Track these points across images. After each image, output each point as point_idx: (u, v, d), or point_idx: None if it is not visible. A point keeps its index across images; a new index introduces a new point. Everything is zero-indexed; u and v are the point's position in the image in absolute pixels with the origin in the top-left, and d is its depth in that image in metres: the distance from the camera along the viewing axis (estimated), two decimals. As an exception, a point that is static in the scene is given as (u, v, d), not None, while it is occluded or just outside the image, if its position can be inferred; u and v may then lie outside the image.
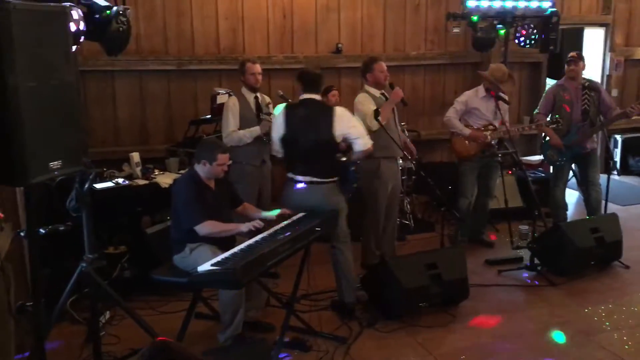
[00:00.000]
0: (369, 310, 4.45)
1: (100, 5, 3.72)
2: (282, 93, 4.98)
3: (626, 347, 3.96)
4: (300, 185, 4.23)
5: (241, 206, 4.16)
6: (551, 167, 6.28)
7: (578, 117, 5.83)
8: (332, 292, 4.67)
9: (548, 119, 5.86)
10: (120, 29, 3.77)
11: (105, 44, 3.91)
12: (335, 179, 4.32)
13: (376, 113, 4.68)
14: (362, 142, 4.25)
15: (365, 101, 4.90)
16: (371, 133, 4.84)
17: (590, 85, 5.85)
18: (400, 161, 5.20)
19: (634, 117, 6.33)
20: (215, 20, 6.72)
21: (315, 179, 4.21)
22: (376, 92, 5.01)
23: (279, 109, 4.39)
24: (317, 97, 4.34)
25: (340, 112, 4.25)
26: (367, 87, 5.05)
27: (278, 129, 4.33)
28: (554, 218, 6.03)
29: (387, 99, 4.99)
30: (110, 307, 4.30)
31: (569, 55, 5.93)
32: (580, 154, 5.93)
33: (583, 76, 5.93)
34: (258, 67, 5.06)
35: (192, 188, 3.80)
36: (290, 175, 4.31)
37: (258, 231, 3.77)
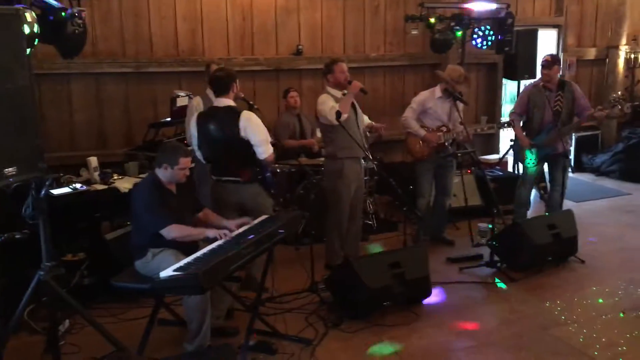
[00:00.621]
0: (334, 310, 4.47)
1: (55, 7, 3.63)
2: (242, 95, 4.95)
3: (581, 339, 4.08)
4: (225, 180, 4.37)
5: (202, 212, 4.11)
6: (520, 166, 6.38)
7: (549, 118, 5.86)
8: (298, 293, 4.68)
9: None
10: (76, 31, 3.69)
11: (61, 47, 3.82)
12: (254, 180, 4.37)
13: (338, 114, 4.70)
14: (261, 150, 4.27)
15: (326, 100, 4.94)
16: (332, 132, 4.88)
17: (565, 87, 5.89)
18: (363, 162, 5.23)
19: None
20: (174, 21, 6.65)
21: (239, 178, 4.31)
22: (337, 93, 5.03)
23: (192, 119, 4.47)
24: (227, 99, 4.35)
25: (246, 116, 4.28)
26: (328, 89, 5.07)
27: (193, 137, 4.45)
28: (514, 215, 6.16)
29: None
30: (69, 315, 4.20)
31: (543, 59, 5.95)
32: (551, 154, 5.99)
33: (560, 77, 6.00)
34: None
35: (154, 192, 3.74)
36: (214, 177, 4.43)
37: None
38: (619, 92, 6.00)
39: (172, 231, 3.65)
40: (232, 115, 4.28)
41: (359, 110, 5.21)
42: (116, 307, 4.52)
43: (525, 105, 6.02)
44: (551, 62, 5.88)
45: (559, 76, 6.00)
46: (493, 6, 7.14)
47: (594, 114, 5.76)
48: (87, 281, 4.60)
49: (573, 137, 8.88)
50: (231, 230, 3.80)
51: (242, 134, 4.24)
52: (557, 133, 5.79)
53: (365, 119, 5.45)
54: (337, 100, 4.96)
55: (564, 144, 5.83)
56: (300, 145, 6.45)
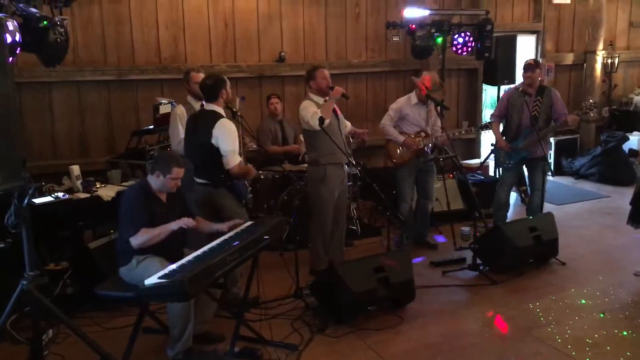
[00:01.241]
0: (319, 315, 4.49)
1: (37, 16, 3.62)
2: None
3: (558, 339, 4.14)
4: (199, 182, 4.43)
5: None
6: (500, 169, 6.47)
7: (526, 123, 5.95)
8: (283, 299, 4.70)
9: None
10: (58, 39, 3.68)
11: (43, 55, 3.80)
12: (223, 184, 4.39)
13: (321, 121, 4.74)
14: (227, 160, 4.28)
15: (308, 106, 4.98)
16: (315, 138, 4.91)
17: (545, 92, 5.98)
18: (347, 167, 5.27)
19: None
20: (156, 29, 6.65)
21: (209, 182, 4.35)
22: (319, 100, 5.07)
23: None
24: (215, 105, 4.41)
25: (221, 124, 4.30)
26: (310, 95, 5.11)
27: (181, 143, 4.62)
28: (494, 218, 6.23)
29: None
30: (53, 325, 4.17)
31: (526, 63, 6.04)
32: (528, 158, 6.07)
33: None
34: (202, 76, 5.02)
35: (139, 199, 3.73)
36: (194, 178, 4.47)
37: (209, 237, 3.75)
38: (591, 100, 6.10)
39: (137, 238, 3.64)
40: (211, 121, 4.32)
41: (341, 116, 5.25)
42: (100, 316, 4.50)
43: (505, 109, 6.11)
44: (534, 65, 5.98)
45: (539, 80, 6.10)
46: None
47: (566, 119, 5.86)
48: (70, 290, 4.58)
49: (552, 141, 9.05)
50: (223, 232, 3.81)
51: (213, 141, 4.28)
52: (534, 137, 5.87)
53: (348, 125, 5.49)
54: (319, 106, 5.00)
55: (543, 148, 5.90)
56: (285, 152, 6.47)
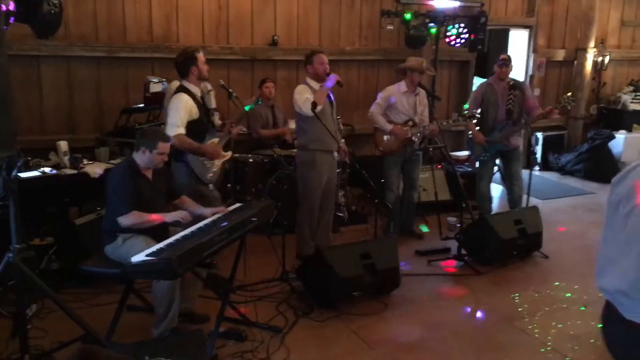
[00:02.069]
0: (304, 299, 4.51)
1: (31, -14, 3.57)
2: (222, 82, 4.92)
3: (539, 331, 4.21)
4: None
5: (178, 199, 4.09)
6: (477, 162, 6.55)
7: (502, 116, 6.11)
8: (269, 281, 4.71)
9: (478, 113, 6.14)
10: (52, 11, 3.63)
11: (36, 27, 3.74)
12: (180, 160, 4.40)
13: (313, 105, 4.73)
14: (166, 132, 4.25)
15: (303, 91, 4.97)
16: (306, 122, 4.90)
17: (516, 86, 6.12)
18: (336, 154, 5.27)
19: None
20: (149, 7, 6.57)
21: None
22: (315, 85, 5.05)
23: None
24: (186, 82, 4.47)
25: (173, 98, 4.39)
26: (307, 79, 5.10)
27: None
28: (479, 210, 6.30)
29: None
30: (37, 300, 4.15)
31: (500, 58, 6.17)
32: (504, 150, 6.21)
33: (510, 76, 6.21)
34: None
35: (127, 177, 3.71)
36: None
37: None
38: (569, 94, 6.21)
39: (128, 219, 3.62)
40: (172, 95, 4.40)
41: (335, 103, 5.25)
42: (84, 292, 4.49)
43: (479, 104, 6.20)
44: (507, 60, 6.14)
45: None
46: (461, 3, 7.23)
47: (542, 112, 6.02)
48: (55, 266, 4.56)
49: (540, 137, 9.14)
50: (205, 217, 3.80)
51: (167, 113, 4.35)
52: (509, 130, 6.04)
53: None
54: (314, 91, 4.99)
55: (520, 139, 6.10)
56: (274, 135, 6.45)
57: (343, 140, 5.59)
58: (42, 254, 4.49)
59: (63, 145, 5.08)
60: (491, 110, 6.15)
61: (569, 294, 4.84)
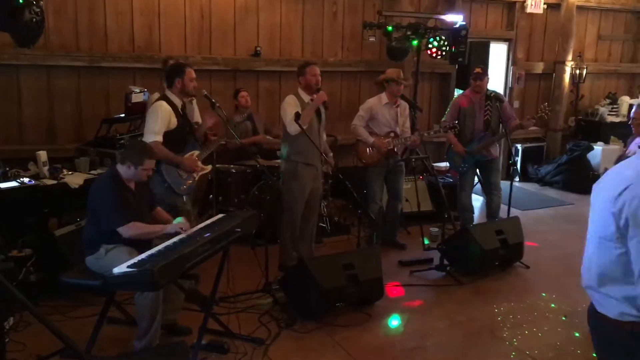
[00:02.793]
0: (287, 311, 4.48)
1: (12, -6, 3.53)
2: (205, 92, 4.90)
3: (520, 341, 4.23)
4: None
5: (154, 210, 4.06)
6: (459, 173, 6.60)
7: (480, 127, 6.20)
8: (252, 293, 4.68)
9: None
10: (34, 19, 3.60)
11: (17, 35, 3.71)
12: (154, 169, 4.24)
13: (296, 115, 4.74)
14: (144, 139, 4.30)
15: (291, 103, 4.96)
16: (290, 135, 4.90)
17: (494, 97, 6.20)
18: (321, 165, 5.25)
19: (531, 128, 6.87)
20: (130, 16, 6.54)
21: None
22: (306, 97, 5.06)
23: None
24: (169, 91, 4.48)
25: (153, 106, 4.41)
26: (299, 90, 5.11)
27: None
28: (461, 221, 6.34)
29: None
30: (14, 312, 4.06)
31: (474, 72, 6.26)
32: (483, 160, 6.28)
33: (488, 88, 6.29)
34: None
35: (114, 188, 3.68)
36: None
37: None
38: (546, 103, 6.32)
39: (130, 229, 3.59)
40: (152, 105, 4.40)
41: (323, 118, 5.25)
42: (63, 305, 4.42)
43: (456, 115, 6.26)
44: (482, 73, 6.22)
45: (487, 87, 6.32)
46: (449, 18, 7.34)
47: (522, 123, 6.14)
48: (34, 278, 4.47)
49: (520, 148, 9.24)
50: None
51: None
52: (488, 140, 6.13)
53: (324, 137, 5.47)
54: (303, 103, 4.99)
55: (508, 149, 6.11)
56: (251, 143, 6.39)
57: (331, 154, 5.60)
58: (20, 266, 4.41)
59: (42, 155, 5.01)
60: (469, 122, 6.23)
61: (550, 304, 4.88)
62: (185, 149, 4.55)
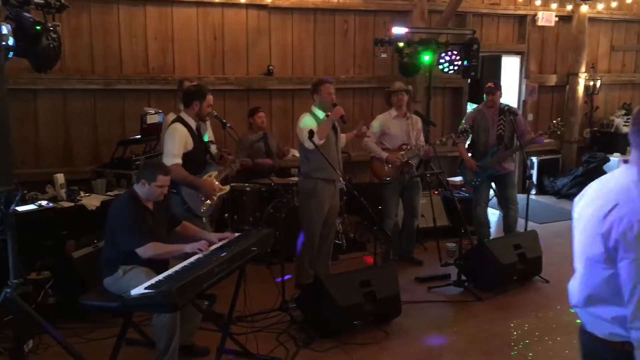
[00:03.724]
0: (305, 329, 4.46)
1: (30, 21, 3.60)
2: (216, 113, 4.94)
3: (543, 357, 4.16)
4: None
5: (180, 226, 4.08)
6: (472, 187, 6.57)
7: (493, 141, 6.18)
8: (269, 312, 4.66)
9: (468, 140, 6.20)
10: (51, 45, 3.66)
11: (35, 61, 3.77)
12: (174, 191, 4.32)
13: (310, 134, 4.75)
14: (163, 161, 4.27)
15: (306, 121, 4.97)
16: (309, 152, 4.90)
17: (508, 111, 6.17)
18: (339, 183, 5.25)
19: (546, 141, 6.82)
20: (144, 40, 6.64)
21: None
22: (321, 114, 5.08)
23: None
24: (184, 113, 4.49)
25: (170, 127, 4.41)
26: (313, 108, 5.13)
27: None
28: (478, 236, 6.29)
29: None
30: (33, 335, 4.08)
31: (487, 86, 6.29)
32: (497, 175, 6.24)
33: (502, 101, 6.27)
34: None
35: (132, 209, 3.70)
36: None
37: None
38: (559, 119, 6.29)
39: (148, 250, 3.60)
40: (167, 126, 4.42)
41: (339, 132, 5.27)
42: (82, 327, 4.43)
43: (470, 129, 6.23)
44: (494, 88, 6.23)
45: (501, 101, 6.30)
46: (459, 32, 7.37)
47: (532, 137, 6.08)
48: (52, 300, 4.50)
49: (535, 160, 9.18)
50: (213, 243, 3.78)
51: (163, 143, 4.38)
52: (501, 155, 6.10)
53: (343, 139, 5.47)
54: (318, 120, 5.01)
55: (512, 164, 6.20)
56: (268, 166, 6.39)
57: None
58: (39, 288, 4.44)
59: (59, 177, 5.06)
60: (482, 136, 6.22)
61: (571, 318, 4.80)
62: (204, 169, 4.58)
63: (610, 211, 1.99)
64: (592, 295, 2.11)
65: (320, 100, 5.08)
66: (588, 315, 2.16)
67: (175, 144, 4.33)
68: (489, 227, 6.51)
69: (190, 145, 4.42)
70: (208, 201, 4.57)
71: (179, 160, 4.32)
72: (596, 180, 2.26)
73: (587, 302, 2.14)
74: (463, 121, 6.46)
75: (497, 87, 6.25)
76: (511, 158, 6.29)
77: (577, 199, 2.28)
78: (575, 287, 2.23)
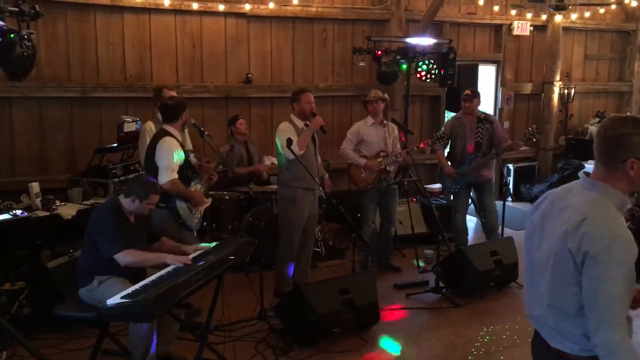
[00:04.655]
0: (283, 338, 4.45)
1: (4, 29, 3.56)
2: (194, 122, 4.93)
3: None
4: None
5: (158, 241, 4.05)
6: (451, 195, 6.63)
7: (471, 149, 6.23)
8: (247, 321, 4.65)
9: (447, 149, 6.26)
10: (25, 53, 3.63)
11: (8, 69, 3.73)
12: (163, 205, 4.30)
13: (288, 142, 4.76)
14: (160, 177, 4.26)
15: (286, 130, 5.00)
16: (288, 162, 4.92)
17: (485, 119, 6.25)
18: (318, 190, 5.26)
19: (522, 148, 6.90)
20: (122, 47, 6.60)
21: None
22: (300, 123, 5.10)
23: None
24: (171, 127, 4.44)
25: (161, 141, 4.34)
26: (292, 117, 5.14)
27: None
28: (456, 242, 6.34)
29: None
30: (7, 346, 4.01)
31: (464, 94, 6.36)
32: (475, 182, 6.31)
33: (480, 109, 6.34)
34: (173, 93, 4.97)
35: (113, 217, 3.69)
36: None
37: None
38: (534, 126, 6.38)
39: (127, 256, 3.57)
40: (157, 139, 4.38)
41: (318, 142, 5.29)
42: (57, 337, 4.38)
43: (449, 137, 6.31)
44: (471, 95, 6.29)
45: (479, 109, 6.36)
46: (433, 41, 7.44)
47: (509, 143, 6.15)
48: (27, 311, 4.43)
49: (512, 167, 9.29)
50: (188, 254, 3.77)
51: (155, 158, 4.32)
52: (478, 162, 6.15)
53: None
54: (297, 129, 5.03)
55: (488, 171, 6.17)
56: (249, 172, 6.44)
57: (327, 175, 5.64)
58: (13, 299, 4.37)
59: (35, 186, 5.01)
60: (460, 143, 6.29)
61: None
62: (189, 181, 4.58)
63: (579, 225, 1.96)
64: (559, 308, 2.05)
65: (300, 110, 5.11)
66: (554, 331, 2.09)
67: (172, 158, 4.31)
68: (467, 234, 6.57)
69: (182, 158, 4.42)
70: (198, 214, 4.58)
71: (176, 175, 4.32)
72: (552, 191, 2.23)
73: (554, 317, 2.08)
74: (442, 129, 6.53)
75: (475, 94, 6.32)
76: (490, 165, 6.35)
77: (535, 206, 2.25)
78: (536, 300, 2.15)
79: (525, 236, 2.27)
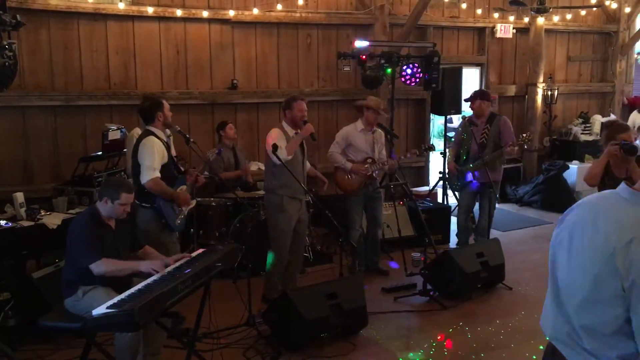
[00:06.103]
0: (272, 344, 4.45)
1: (-16, 39, 3.55)
2: (179, 128, 4.92)
3: (512, 363, 4.25)
4: None
5: (141, 249, 4.03)
6: (450, 197, 6.66)
7: (475, 149, 6.21)
8: (235, 327, 4.64)
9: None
10: (7, 63, 3.61)
11: (-10, 79, 3.71)
12: (148, 205, 4.34)
13: (274, 147, 4.77)
14: (142, 175, 4.30)
15: (275, 136, 4.99)
16: (275, 167, 4.92)
17: (494, 120, 6.25)
18: (306, 197, 5.27)
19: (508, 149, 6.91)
20: (106, 54, 6.58)
21: (136, 201, 4.26)
22: (290, 131, 5.10)
23: None
24: (152, 127, 4.48)
25: (143, 141, 4.38)
26: (283, 123, 5.14)
27: None
28: (459, 241, 6.47)
29: None
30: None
31: (470, 95, 6.40)
32: (482, 183, 6.22)
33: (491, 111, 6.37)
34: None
35: (89, 226, 3.65)
36: None
37: None
38: (528, 133, 6.42)
39: (100, 265, 3.54)
40: (140, 139, 4.40)
41: (306, 149, 5.30)
42: (43, 348, 4.33)
43: (460, 140, 6.40)
44: (474, 97, 6.32)
45: (490, 109, 6.39)
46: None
47: (506, 149, 6.15)
48: (12, 322, 4.39)
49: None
50: (168, 265, 3.74)
51: (138, 157, 4.34)
52: (480, 164, 6.13)
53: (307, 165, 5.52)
54: (288, 136, 5.03)
55: (489, 174, 6.04)
56: (236, 177, 6.42)
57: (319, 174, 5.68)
58: (-2, 311, 4.34)
59: (19, 196, 4.97)
60: (465, 143, 6.32)
61: (534, 325, 4.88)
62: (175, 183, 4.57)
63: (629, 243, 1.72)
64: (592, 329, 1.84)
65: (292, 117, 5.11)
66: (585, 354, 1.87)
67: (154, 157, 4.32)
68: (469, 233, 6.59)
69: (165, 157, 4.44)
70: (182, 215, 4.58)
71: (158, 174, 4.33)
72: (581, 202, 2.00)
73: (586, 337, 1.86)
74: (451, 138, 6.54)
75: (475, 95, 6.32)
76: (495, 167, 6.24)
77: (566, 216, 2.02)
78: (559, 318, 1.97)
79: (550, 253, 2.10)
